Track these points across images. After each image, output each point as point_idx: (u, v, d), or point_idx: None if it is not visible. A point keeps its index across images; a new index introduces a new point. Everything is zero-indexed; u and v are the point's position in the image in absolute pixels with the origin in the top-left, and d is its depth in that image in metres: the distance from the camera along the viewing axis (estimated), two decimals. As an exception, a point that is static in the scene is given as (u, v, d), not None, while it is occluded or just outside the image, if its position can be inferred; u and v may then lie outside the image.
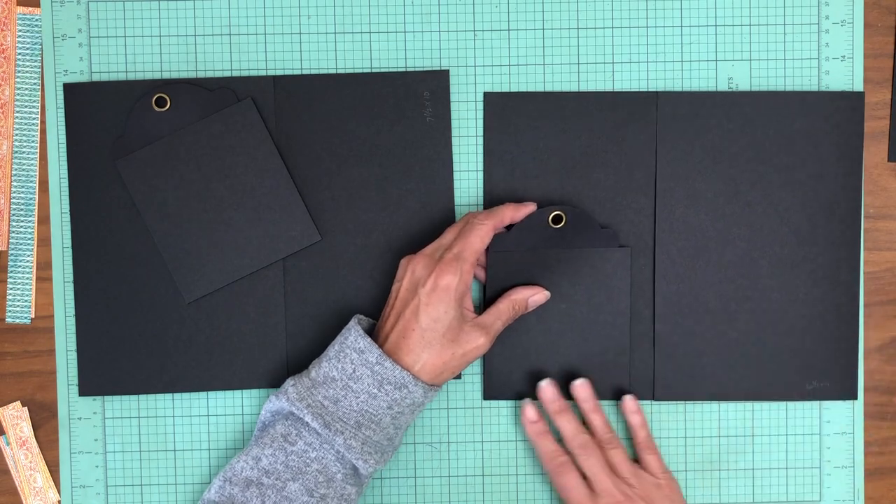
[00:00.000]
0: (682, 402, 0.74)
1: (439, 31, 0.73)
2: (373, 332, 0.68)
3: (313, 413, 0.64)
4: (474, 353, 0.66)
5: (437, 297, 0.65)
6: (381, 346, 0.66)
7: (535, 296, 0.70)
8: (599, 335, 0.72)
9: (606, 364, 0.73)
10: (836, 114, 0.72)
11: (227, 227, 0.72)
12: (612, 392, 0.73)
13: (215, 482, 0.65)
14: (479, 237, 0.67)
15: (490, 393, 0.73)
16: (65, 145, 0.72)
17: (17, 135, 0.73)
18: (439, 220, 0.73)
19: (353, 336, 0.65)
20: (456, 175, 0.73)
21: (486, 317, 0.68)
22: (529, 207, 0.71)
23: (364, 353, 0.64)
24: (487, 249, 0.70)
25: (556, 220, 0.71)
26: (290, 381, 0.66)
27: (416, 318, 0.65)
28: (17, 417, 0.74)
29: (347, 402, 0.64)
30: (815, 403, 0.74)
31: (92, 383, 0.73)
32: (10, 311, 0.73)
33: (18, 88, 0.73)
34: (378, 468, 0.65)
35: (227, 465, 0.66)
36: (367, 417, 0.64)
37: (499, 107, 0.73)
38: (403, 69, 0.73)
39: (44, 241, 0.73)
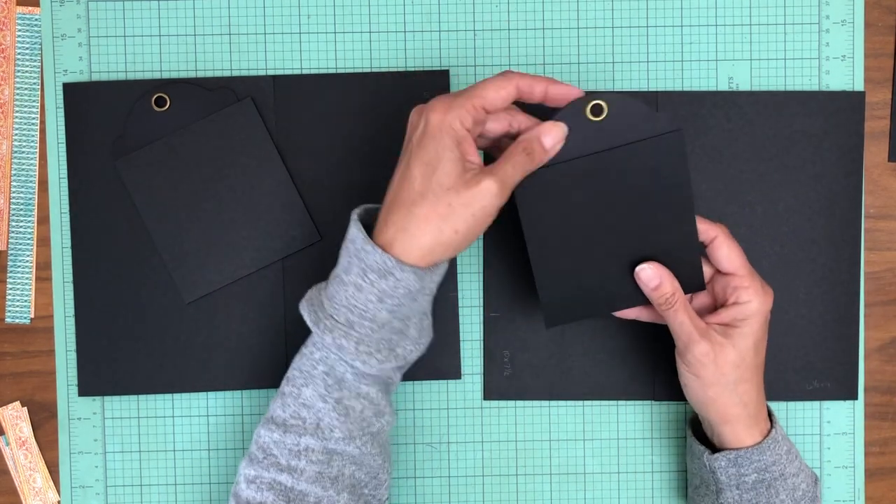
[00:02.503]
0: (683, 402, 0.74)
1: (439, 31, 0.73)
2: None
3: (309, 310, 0.59)
4: (481, 202, 0.56)
5: (428, 137, 0.56)
6: (382, 212, 0.58)
7: (552, 130, 0.59)
8: (663, 240, 0.63)
9: (676, 267, 0.64)
10: (836, 114, 0.72)
11: (227, 227, 0.72)
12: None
13: None
14: (495, 86, 0.58)
15: (490, 393, 0.73)
16: (64, 145, 0.72)
17: (16, 135, 0.73)
18: (439, 220, 0.73)
19: (351, 228, 0.59)
20: (456, 175, 0.73)
21: (493, 165, 0.58)
22: (572, 90, 0.59)
23: (353, 241, 0.58)
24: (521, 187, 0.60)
25: (596, 111, 0.60)
26: (314, 288, 0.61)
27: (409, 167, 0.57)
28: (16, 417, 0.74)
29: (339, 297, 0.58)
30: (816, 404, 0.74)
31: (91, 383, 0.72)
32: (9, 311, 0.73)
33: (18, 88, 0.73)
34: (393, 364, 0.59)
35: None
36: (357, 313, 0.58)
37: (499, 107, 0.72)
38: (403, 69, 0.73)
39: (43, 241, 0.73)
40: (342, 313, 0.58)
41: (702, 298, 0.67)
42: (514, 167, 0.58)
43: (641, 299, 0.65)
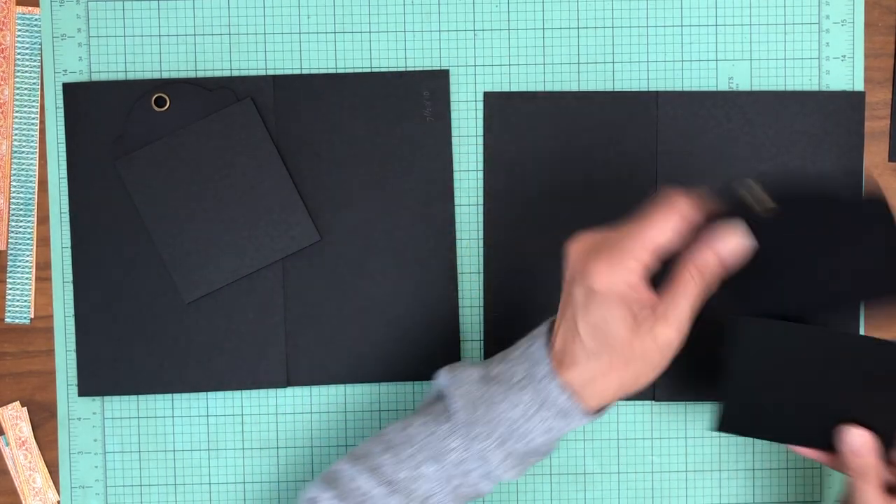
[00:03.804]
0: (683, 402, 0.74)
1: (439, 31, 0.73)
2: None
3: (464, 401, 0.56)
4: (659, 352, 0.53)
5: (592, 302, 0.53)
6: (556, 350, 0.56)
7: (726, 238, 0.53)
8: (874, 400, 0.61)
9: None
10: (836, 114, 0.72)
11: (227, 227, 0.72)
12: None
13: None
14: (660, 228, 0.52)
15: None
16: (64, 145, 0.72)
17: (16, 135, 0.73)
18: (439, 220, 0.73)
19: (537, 343, 0.57)
20: (456, 175, 0.73)
21: (664, 303, 0.53)
22: (735, 237, 0.54)
23: (536, 365, 0.56)
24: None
25: (757, 199, 0.53)
26: (468, 365, 0.59)
27: (576, 324, 0.54)
28: (16, 418, 0.74)
29: (501, 409, 0.56)
30: (816, 403, 0.74)
31: (91, 383, 0.72)
32: (9, 311, 0.73)
33: (18, 88, 0.73)
34: (520, 476, 0.58)
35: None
36: (517, 436, 0.56)
37: (499, 107, 0.73)
38: (403, 69, 0.73)
39: (43, 241, 0.73)
40: (501, 427, 0.56)
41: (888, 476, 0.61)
42: (688, 299, 0.53)
43: (828, 446, 0.62)
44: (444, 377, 0.60)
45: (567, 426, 0.56)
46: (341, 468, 0.60)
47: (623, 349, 0.53)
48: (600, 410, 0.57)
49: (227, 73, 0.73)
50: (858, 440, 0.60)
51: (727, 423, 0.63)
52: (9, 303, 0.73)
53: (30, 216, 0.73)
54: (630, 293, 0.53)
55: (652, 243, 0.53)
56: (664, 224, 0.53)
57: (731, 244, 0.54)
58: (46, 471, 0.74)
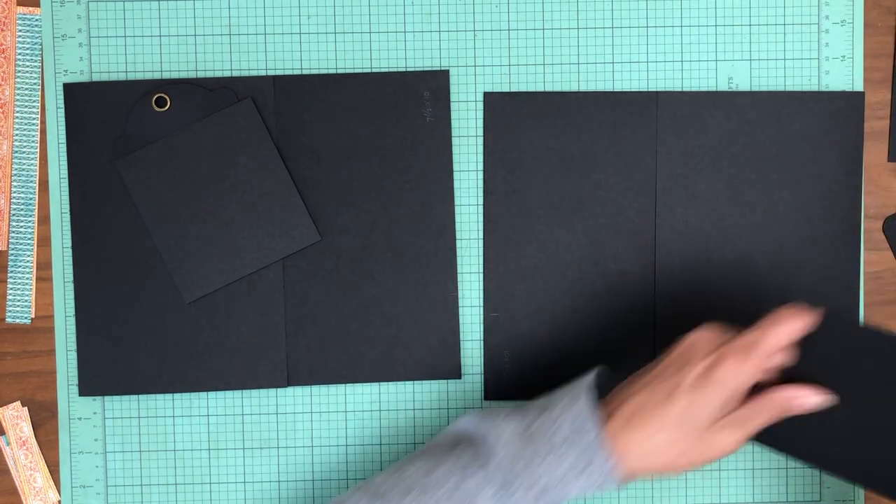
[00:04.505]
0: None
1: (439, 31, 0.73)
2: (612, 386, 0.60)
3: (505, 456, 0.57)
4: (721, 451, 0.57)
5: (704, 384, 0.55)
6: (614, 405, 0.58)
7: (811, 398, 0.57)
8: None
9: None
10: (836, 114, 0.72)
11: (227, 227, 0.72)
12: None
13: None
14: (787, 329, 0.56)
15: (490, 393, 0.73)
16: (65, 145, 0.72)
17: (17, 135, 0.73)
18: (439, 220, 0.73)
19: (583, 402, 0.57)
20: (456, 175, 0.73)
21: (745, 410, 0.57)
22: (818, 399, 0.57)
23: (583, 426, 0.56)
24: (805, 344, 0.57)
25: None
26: (502, 414, 0.59)
27: (670, 398, 0.56)
28: (17, 417, 0.74)
29: (543, 469, 0.56)
30: (816, 403, 0.74)
31: (92, 383, 0.73)
32: (9, 311, 0.73)
33: (18, 88, 0.73)
34: None
35: (396, 462, 0.60)
36: (553, 493, 0.57)
37: (499, 107, 0.73)
38: (403, 69, 0.73)
39: (44, 241, 0.73)
40: (539, 485, 0.57)
41: None
42: (761, 421, 0.57)
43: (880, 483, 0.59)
44: (476, 422, 0.60)
45: (601, 489, 0.57)
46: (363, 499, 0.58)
47: (695, 435, 0.56)
48: (631, 476, 0.58)
49: (227, 74, 0.73)
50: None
51: (766, 434, 0.59)
52: (9, 303, 0.73)
53: (30, 216, 0.73)
54: (737, 394, 0.56)
55: (773, 346, 0.56)
56: (793, 328, 0.56)
57: (815, 401, 0.57)
58: (47, 470, 0.74)
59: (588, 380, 0.60)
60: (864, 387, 0.57)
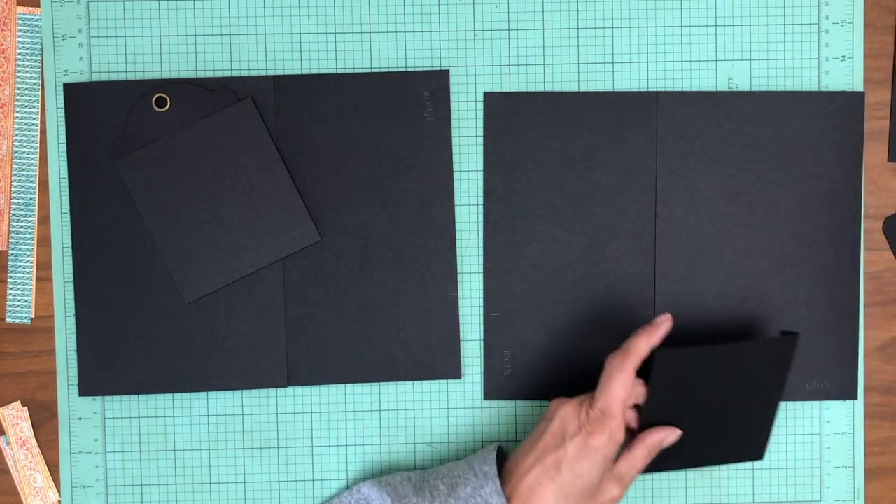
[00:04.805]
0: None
1: (439, 31, 0.73)
2: (504, 463, 0.66)
3: None
4: (605, 502, 0.65)
5: (584, 455, 0.63)
6: (512, 484, 0.64)
7: (670, 436, 0.66)
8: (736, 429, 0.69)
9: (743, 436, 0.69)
10: (836, 114, 0.72)
11: (227, 227, 0.72)
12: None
13: None
14: (621, 386, 0.64)
15: (490, 393, 0.73)
16: (65, 145, 0.72)
17: (17, 135, 0.73)
18: (439, 220, 0.73)
19: (490, 488, 0.64)
20: (456, 175, 0.73)
21: (622, 465, 0.65)
22: (664, 326, 0.67)
23: (487, 499, 0.63)
24: (649, 364, 0.66)
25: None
26: (410, 494, 0.66)
27: (558, 470, 0.63)
28: (17, 417, 0.74)
29: None
30: (815, 403, 0.74)
31: (92, 383, 0.73)
32: (10, 311, 0.73)
33: (18, 88, 0.73)
34: None
35: None
36: None
37: (499, 107, 0.73)
38: (403, 69, 0.73)
39: (44, 241, 0.73)
40: None
41: None
42: (638, 469, 0.66)
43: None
44: (382, 497, 0.66)
45: None
46: None
47: (588, 496, 0.64)
48: None
49: (227, 74, 0.73)
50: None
51: (656, 463, 0.67)
52: (9, 303, 0.73)
53: (30, 216, 0.73)
54: (612, 454, 0.64)
55: (621, 403, 0.64)
56: (626, 383, 0.64)
57: (671, 438, 0.66)
58: (47, 470, 0.74)
59: (490, 459, 0.65)
60: (710, 397, 0.67)
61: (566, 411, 0.65)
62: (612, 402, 0.64)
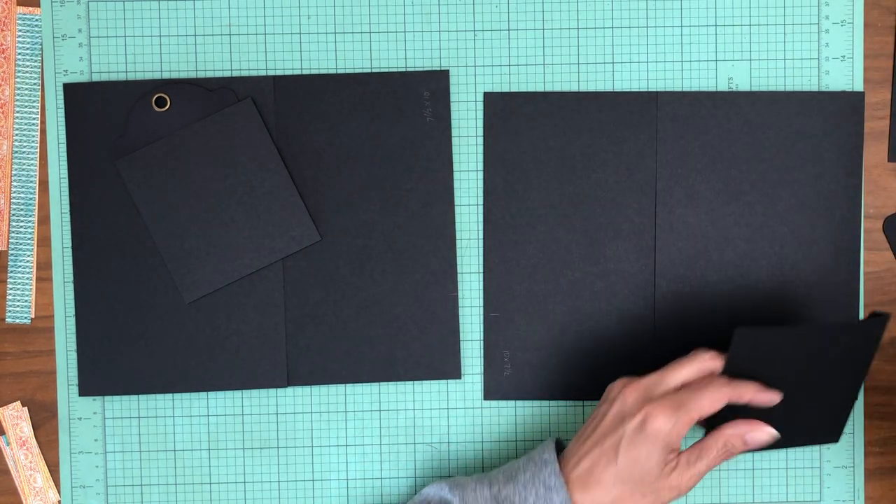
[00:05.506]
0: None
1: (439, 31, 0.73)
2: (564, 450, 0.65)
3: None
4: (668, 495, 0.62)
5: (643, 439, 0.60)
6: (570, 467, 0.62)
7: (758, 434, 0.62)
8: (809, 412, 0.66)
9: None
10: (836, 114, 0.72)
11: (227, 227, 0.72)
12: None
13: None
14: (712, 401, 0.61)
15: (490, 393, 0.73)
16: (65, 145, 0.73)
17: (17, 135, 0.73)
18: (439, 220, 0.73)
19: (549, 471, 0.62)
20: (456, 175, 0.73)
21: (692, 453, 0.62)
22: (774, 397, 0.63)
23: (551, 492, 0.61)
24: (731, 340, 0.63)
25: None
26: (471, 482, 0.64)
27: (616, 453, 0.61)
28: (17, 417, 0.74)
29: None
30: (816, 403, 0.74)
31: (92, 383, 0.73)
32: (10, 311, 0.73)
33: (18, 88, 0.73)
34: None
35: None
36: None
37: (499, 107, 0.73)
38: (403, 69, 0.73)
39: (44, 241, 0.73)
40: None
41: None
42: (709, 465, 0.62)
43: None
44: (445, 492, 0.64)
45: None
46: None
47: (648, 482, 0.61)
48: None
49: (227, 74, 0.73)
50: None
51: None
52: (9, 303, 0.73)
53: (30, 216, 0.73)
54: (674, 441, 0.61)
55: (702, 412, 0.61)
56: (715, 399, 0.61)
57: (760, 438, 0.63)
58: (47, 470, 0.74)
59: (549, 447, 0.64)
60: (789, 380, 0.64)
61: (630, 392, 0.62)
62: (693, 403, 0.61)
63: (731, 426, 0.62)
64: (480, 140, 0.73)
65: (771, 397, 0.63)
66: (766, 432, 0.62)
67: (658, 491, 0.61)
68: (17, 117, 0.73)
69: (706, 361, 0.64)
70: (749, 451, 0.63)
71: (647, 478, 0.61)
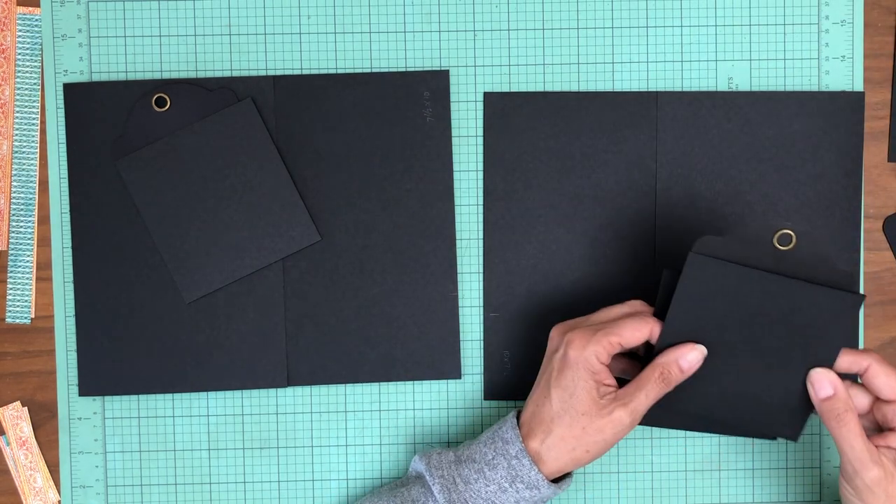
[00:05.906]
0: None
1: (439, 31, 0.73)
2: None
3: (442, 486, 0.63)
4: (612, 430, 0.61)
5: (566, 366, 0.61)
6: (522, 419, 0.63)
7: (689, 353, 0.61)
8: (781, 382, 0.62)
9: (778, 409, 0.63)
10: (836, 114, 0.72)
11: (227, 227, 0.72)
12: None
13: None
14: (633, 329, 0.61)
15: (490, 393, 0.73)
16: (65, 145, 0.73)
17: (17, 135, 0.73)
18: (439, 220, 0.73)
19: (507, 425, 0.63)
20: (456, 175, 0.73)
21: (629, 386, 0.61)
22: (696, 352, 0.62)
23: (507, 444, 0.62)
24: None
25: (784, 240, 0.61)
26: (436, 448, 0.66)
27: (549, 389, 0.62)
28: (17, 417, 0.74)
29: (477, 486, 0.62)
30: (815, 403, 0.74)
31: (92, 383, 0.73)
32: (9, 311, 0.74)
33: (18, 88, 0.73)
34: None
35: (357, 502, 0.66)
36: None
37: (499, 107, 0.73)
38: (403, 69, 0.73)
39: (44, 241, 0.73)
40: (477, 502, 0.62)
41: (863, 422, 0.62)
42: (648, 395, 0.61)
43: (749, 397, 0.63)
44: (419, 462, 0.65)
45: (536, 497, 0.62)
46: None
47: (583, 416, 0.61)
48: (561, 481, 0.64)
49: (227, 74, 0.73)
50: (828, 383, 0.61)
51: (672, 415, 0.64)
52: (9, 303, 0.73)
53: (30, 216, 0.73)
54: (598, 368, 0.61)
55: (621, 337, 0.61)
56: (636, 328, 0.61)
57: (693, 357, 0.62)
58: (47, 470, 0.74)
59: (511, 413, 0.64)
60: (738, 328, 0.61)
61: (555, 331, 0.64)
62: (614, 329, 0.61)
63: (662, 354, 0.62)
64: (480, 140, 0.73)
65: (696, 354, 0.61)
66: (698, 349, 0.61)
67: (601, 426, 0.61)
68: (17, 117, 0.73)
69: (637, 306, 0.64)
70: (686, 378, 0.61)
71: (581, 407, 0.61)
